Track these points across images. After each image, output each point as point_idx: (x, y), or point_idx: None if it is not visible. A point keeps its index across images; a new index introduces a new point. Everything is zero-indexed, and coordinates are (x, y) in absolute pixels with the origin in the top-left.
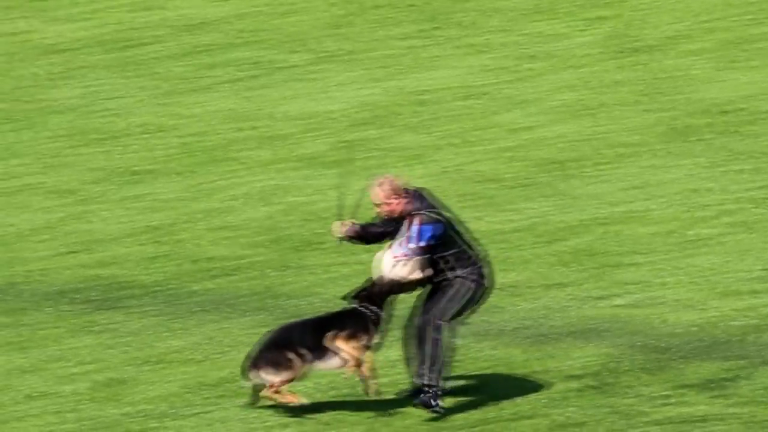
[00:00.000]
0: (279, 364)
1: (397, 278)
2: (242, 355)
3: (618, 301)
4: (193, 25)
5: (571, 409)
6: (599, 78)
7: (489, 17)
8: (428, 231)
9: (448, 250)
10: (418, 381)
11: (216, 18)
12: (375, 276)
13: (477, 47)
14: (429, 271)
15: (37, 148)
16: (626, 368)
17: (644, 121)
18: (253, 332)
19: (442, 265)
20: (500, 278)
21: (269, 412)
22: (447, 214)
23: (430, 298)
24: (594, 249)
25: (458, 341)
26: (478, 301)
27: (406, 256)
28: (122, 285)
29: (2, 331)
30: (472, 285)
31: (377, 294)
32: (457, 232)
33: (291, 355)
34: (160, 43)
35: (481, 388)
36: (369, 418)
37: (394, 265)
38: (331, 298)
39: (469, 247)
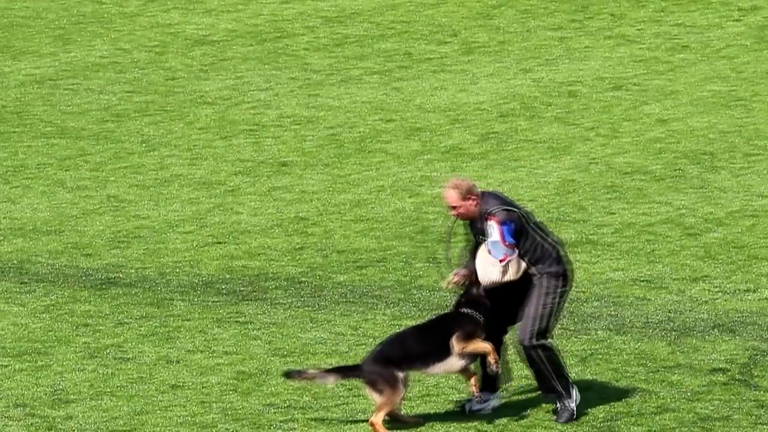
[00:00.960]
0: (383, 382)
1: (500, 281)
2: None
3: (766, 294)
4: (345, 15)
5: (716, 402)
6: (753, 68)
7: (641, 7)
8: (509, 228)
9: (527, 243)
10: (551, 400)
11: (367, 8)
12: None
13: (628, 37)
14: (523, 268)
15: (187, 139)
16: None
17: None
18: (397, 323)
19: (525, 262)
20: (647, 270)
21: (415, 401)
22: (522, 209)
23: (520, 303)
24: (742, 241)
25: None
26: (567, 291)
27: (507, 256)
28: (268, 276)
29: (149, 322)
30: (556, 281)
31: (478, 297)
32: (535, 226)
33: (396, 373)
34: (310, 34)
35: (625, 380)
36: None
37: (502, 270)
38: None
39: (548, 240)
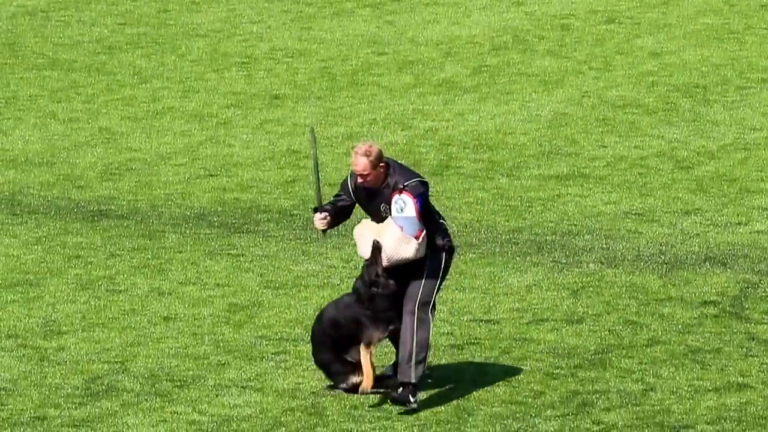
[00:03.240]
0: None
1: (413, 258)
2: None
3: (758, 227)
4: None
5: (707, 334)
6: (746, 1)
7: None
8: (422, 201)
9: (429, 217)
10: (400, 378)
11: None
12: (368, 253)
13: None
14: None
15: (179, 71)
16: (764, 294)
17: None
18: None
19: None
20: (639, 203)
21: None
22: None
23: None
24: (734, 174)
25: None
26: (449, 266)
27: (421, 231)
28: (260, 208)
29: (141, 254)
30: (442, 253)
31: (384, 286)
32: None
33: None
34: None
35: (617, 313)
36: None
37: (417, 247)
38: (468, 222)
39: (438, 213)
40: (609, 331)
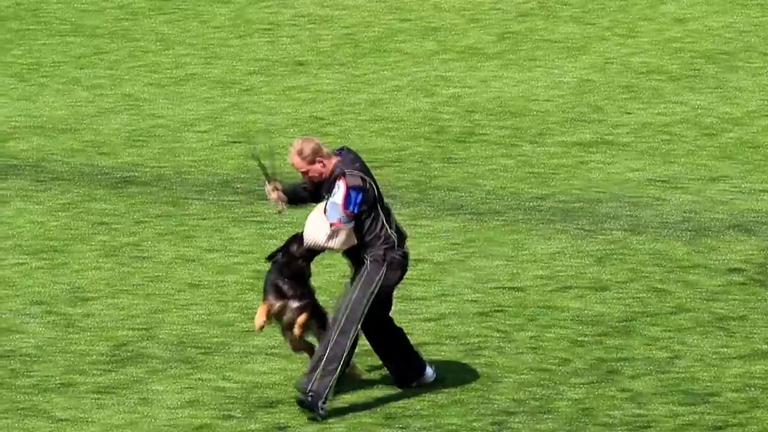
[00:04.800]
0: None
1: (322, 245)
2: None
3: None
4: None
5: (732, 302)
6: None
7: None
8: (357, 196)
9: (369, 222)
10: (303, 386)
11: None
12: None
13: None
14: (351, 243)
15: (203, 37)
16: None
17: None
18: (414, 223)
19: (358, 240)
20: (664, 170)
21: (434, 298)
22: (377, 187)
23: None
24: (759, 141)
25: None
26: (394, 281)
27: (341, 223)
28: (285, 176)
29: (167, 221)
30: (381, 265)
31: (296, 257)
32: (384, 210)
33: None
34: None
35: (642, 280)
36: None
37: (330, 234)
38: (492, 189)
39: (389, 229)
40: (634, 298)
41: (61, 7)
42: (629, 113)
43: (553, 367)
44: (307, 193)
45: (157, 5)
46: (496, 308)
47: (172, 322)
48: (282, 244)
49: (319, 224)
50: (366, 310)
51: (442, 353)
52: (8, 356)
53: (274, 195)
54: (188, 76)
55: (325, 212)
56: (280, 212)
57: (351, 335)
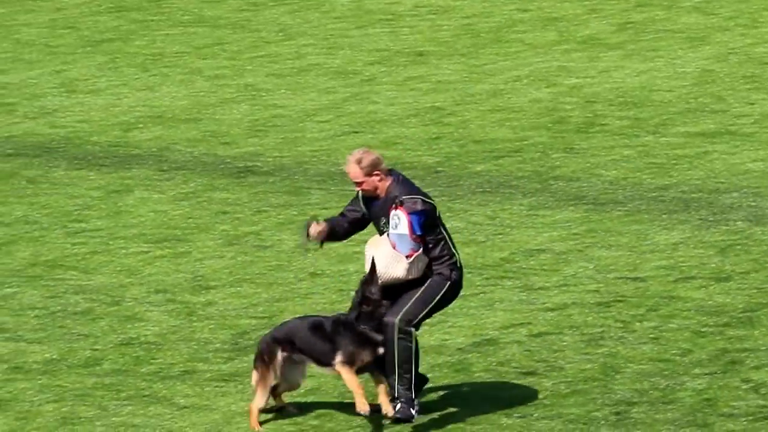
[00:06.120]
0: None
1: (403, 279)
2: (522, 237)
3: None
4: None
5: None
6: None
7: None
8: (419, 218)
9: (433, 241)
10: (391, 392)
11: None
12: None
13: None
14: (424, 266)
15: (323, 28)
16: None
17: None
18: (533, 213)
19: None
20: None
21: (542, 293)
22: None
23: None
24: None
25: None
26: (450, 300)
27: (414, 252)
28: (405, 165)
29: (287, 210)
30: (446, 283)
31: (377, 305)
32: (441, 221)
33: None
34: None
35: (765, 271)
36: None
37: (408, 267)
38: (613, 179)
39: (452, 242)
40: (757, 289)
41: None
42: (752, 104)
43: (675, 357)
44: (343, 231)
45: None
46: (617, 298)
47: (294, 311)
48: (358, 297)
49: (394, 260)
50: (420, 320)
51: (563, 343)
52: (131, 344)
53: (317, 228)
54: (309, 67)
55: (394, 247)
56: (306, 249)
57: (411, 337)
